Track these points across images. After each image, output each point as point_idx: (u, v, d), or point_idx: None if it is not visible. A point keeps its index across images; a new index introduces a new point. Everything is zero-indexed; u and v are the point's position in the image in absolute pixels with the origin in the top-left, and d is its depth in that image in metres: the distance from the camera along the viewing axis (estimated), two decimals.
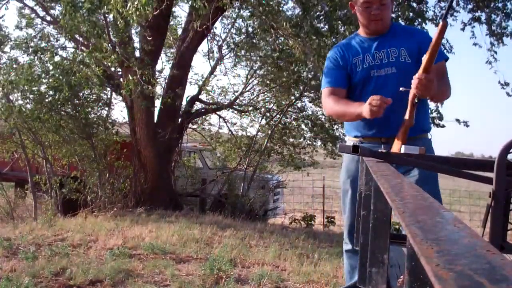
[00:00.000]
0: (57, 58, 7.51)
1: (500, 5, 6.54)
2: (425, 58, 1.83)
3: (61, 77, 6.82)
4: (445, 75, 2.14)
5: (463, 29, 6.94)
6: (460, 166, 1.46)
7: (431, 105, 7.83)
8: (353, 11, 2.23)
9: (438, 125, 7.53)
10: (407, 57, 2.12)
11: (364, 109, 1.96)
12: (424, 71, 1.82)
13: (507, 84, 6.98)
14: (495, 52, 6.83)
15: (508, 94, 6.98)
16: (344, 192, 2.30)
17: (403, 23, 5.98)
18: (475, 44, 6.92)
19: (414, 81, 1.84)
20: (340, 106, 2.16)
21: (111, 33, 6.83)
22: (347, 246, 2.32)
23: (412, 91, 1.88)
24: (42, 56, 7.12)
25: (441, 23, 1.77)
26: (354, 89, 2.20)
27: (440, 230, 0.50)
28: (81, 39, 7.34)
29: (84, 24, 5.61)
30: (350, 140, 2.27)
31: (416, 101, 1.91)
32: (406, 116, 1.94)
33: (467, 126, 7.58)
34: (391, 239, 1.25)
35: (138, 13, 4.59)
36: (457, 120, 7.63)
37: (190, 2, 5.08)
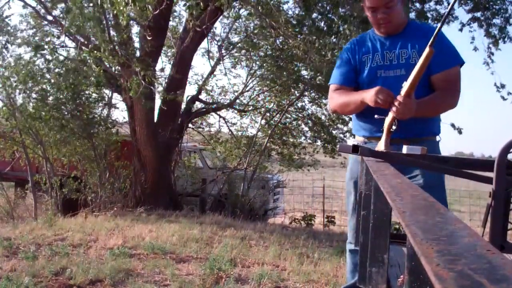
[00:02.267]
0: (60, 58, 7.53)
1: (499, 7, 6.52)
2: (407, 83, 1.81)
3: (62, 76, 6.84)
4: (453, 84, 2.07)
5: (461, 30, 6.93)
6: (460, 165, 1.46)
7: None
8: (366, 13, 2.19)
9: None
10: (418, 59, 2.03)
11: (368, 95, 1.95)
12: (406, 95, 1.81)
13: (503, 86, 6.94)
14: (492, 54, 6.82)
15: (503, 97, 6.92)
16: (348, 193, 2.31)
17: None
18: (475, 49, 6.88)
19: (395, 104, 1.83)
20: (344, 97, 2.15)
21: (111, 33, 6.82)
22: (350, 246, 2.33)
23: (392, 114, 1.86)
24: (43, 52, 7.13)
25: (427, 49, 1.72)
26: (360, 87, 2.17)
27: (440, 230, 0.50)
28: (81, 39, 7.34)
29: (91, 19, 5.60)
30: (357, 140, 2.23)
31: (394, 127, 1.88)
32: (381, 144, 1.91)
33: (460, 133, 7.50)
34: (391, 238, 1.25)
35: (129, 8, 4.57)
36: (452, 125, 7.56)
37: (184, 2, 5.09)
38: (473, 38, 6.94)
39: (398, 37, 2.11)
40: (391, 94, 1.87)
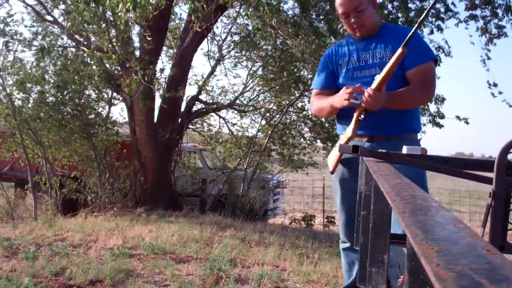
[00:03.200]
0: (62, 59, 7.52)
1: (501, 2, 6.56)
2: (378, 78, 1.90)
3: (65, 76, 6.84)
4: (426, 78, 2.13)
5: (457, 25, 7.00)
6: (460, 166, 1.46)
7: (431, 105, 7.82)
8: (341, 21, 2.30)
9: (437, 124, 7.53)
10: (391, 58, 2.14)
11: (336, 99, 2.10)
12: (376, 88, 1.92)
13: (495, 85, 7.01)
14: (489, 50, 6.89)
15: (493, 94, 7.01)
16: (335, 191, 2.34)
17: (401, 24, 5.99)
18: (472, 43, 6.97)
19: (365, 95, 1.93)
20: (320, 102, 2.28)
21: (111, 33, 6.82)
22: (344, 244, 2.34)
23: (362, 105, 1.97)
24: (49, 55, 7.12)
25: (400, 50, 1.78)
26: (340, 89, 2.23)
27: (440, 230, 0.50)
28: (81, 39, 7.34)
29: (92, 15, 5.59)
30: (341, 139, 2.30)
31: (362, 116, 2.01)
32: (350, 129, 2.03)
33: (467, 123, 7.61)
34: (391, 239, 1.25)
35: (129, 14, 4.58)
36: (457, 117, 7.68)
37: (189, 4, 5.09)
38: (470, 36, 7.03)
39: (373, 39, 2.20)
40: (359, 86, 2.00)
